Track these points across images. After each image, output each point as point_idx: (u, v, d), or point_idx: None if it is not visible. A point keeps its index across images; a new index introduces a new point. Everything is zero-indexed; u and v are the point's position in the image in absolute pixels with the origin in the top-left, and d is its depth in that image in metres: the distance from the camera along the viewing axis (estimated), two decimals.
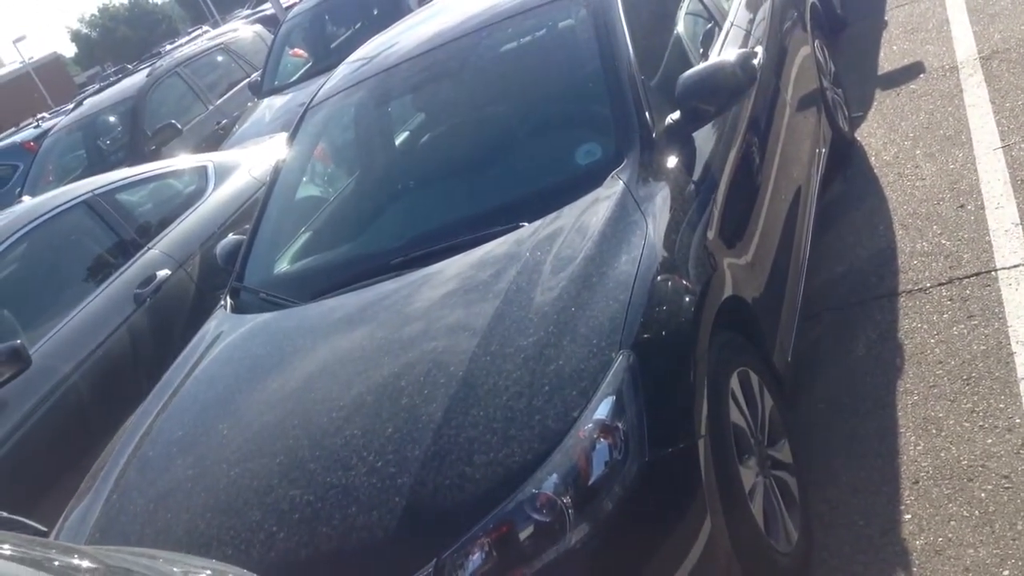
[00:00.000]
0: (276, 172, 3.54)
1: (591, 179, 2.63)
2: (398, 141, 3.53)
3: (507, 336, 2.18)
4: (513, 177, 2.88)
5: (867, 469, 2.74)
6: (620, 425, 1.95)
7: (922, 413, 2.85)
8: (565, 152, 2.83)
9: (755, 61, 2.82)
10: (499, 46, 3.23)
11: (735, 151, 2.98)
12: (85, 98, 10.74)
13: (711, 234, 2.53)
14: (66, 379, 4.03)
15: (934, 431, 2.76)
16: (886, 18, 6.38)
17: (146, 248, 4.69)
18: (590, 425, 1.94)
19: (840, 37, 6.35)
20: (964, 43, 5.30)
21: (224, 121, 9.32)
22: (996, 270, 3.31)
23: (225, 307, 3.17)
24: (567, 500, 1.86)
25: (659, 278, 2.25)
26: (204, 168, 5.35)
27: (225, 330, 2.98)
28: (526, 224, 2.59)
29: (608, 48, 2.91)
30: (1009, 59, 4.83)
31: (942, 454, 2.67)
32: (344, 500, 2.00)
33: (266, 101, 8.36)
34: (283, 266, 3.26)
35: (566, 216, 2.53)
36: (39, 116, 17.66)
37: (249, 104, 9.03)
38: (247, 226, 4.79)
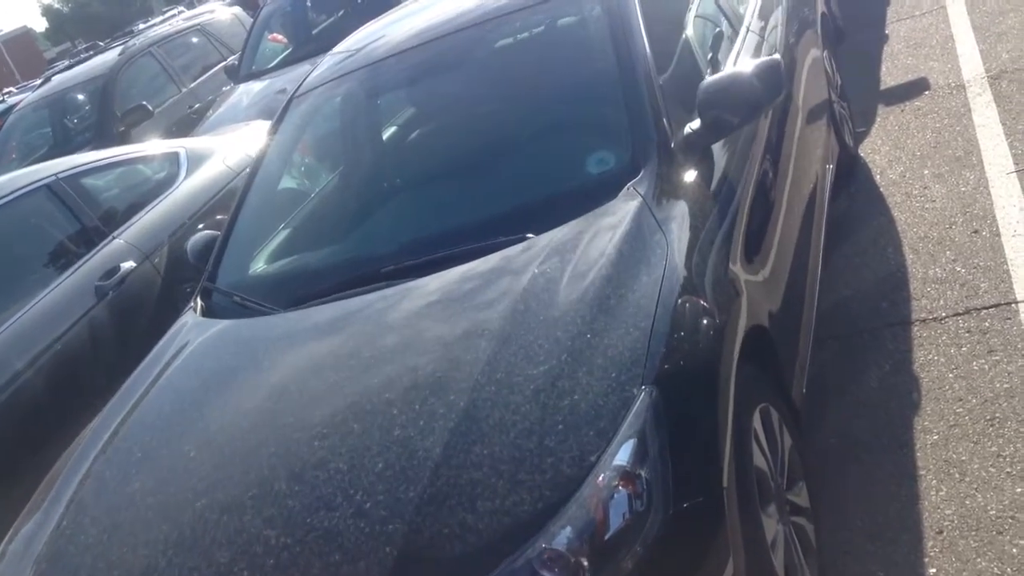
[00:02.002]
0: (256, 165, 3.29)
1: (604, 190, 2.41)
2: (390, 138, 3.29)
3: (514, 363, 1.96)
4: (518, 183, 2.65)
5: (885, 515, 2.55)
6: (642, 472, 1.74)
7: (943, 455, 2.67)
8: (575, 159, 2.61)
9: (782, 69, 2.61)
10: (505, 41, 3.00)
11: (753, 165, 2.78)
12: (53, 74, 10.35)
13: (734, 256, 2.33)
14: (19, 376, 3.76)
15: (957, 475, 2.58)
16: (887, 31, 6.22)
17: (110, 238, 4.42)
18: (609, 472, 1.72)
19: (839, 49, 6.19)
20: (970, 61, 5.15)
21: (197, 105, 9.01)
22: (1017, 303, 3.14)
23: (195, 309, 2.91)
24: (582, 558, 1.64)
25: (682, 304, 2.04)
26: (176, 154, 5.07)
27: (194, 335, 2.73)
28: (532, 236, 2.36)
29: (625, 48, 2.69)
30: (1019, 79, 4.68)
31: (967, 502, 2.49)
32: (327, 546, 1.76)
33: (243, 86, 8.07)
34: (260, 266, 3.01)
35: (577, 229, 2.31)
36: (6, 91, 17.15)
37: (225, 88, 8.72)
38: (220, 216, 4.55)
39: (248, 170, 3.31)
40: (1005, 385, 2.82)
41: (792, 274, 2.76)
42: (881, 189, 4.27)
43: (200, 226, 4.55)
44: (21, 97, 10.75)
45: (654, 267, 2.11)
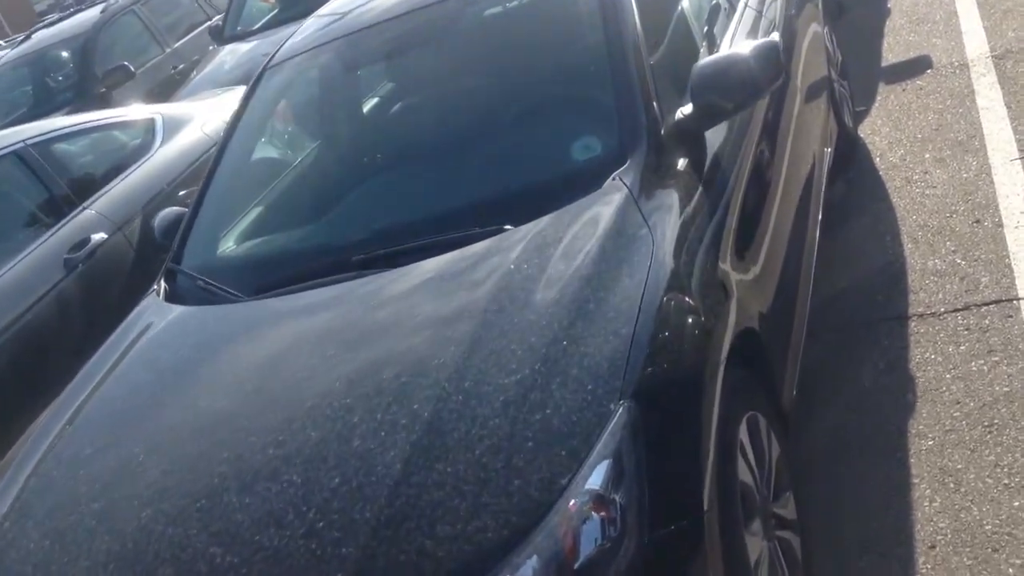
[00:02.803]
0: (225, 139, 3.12)
1: (589, 179, 2.26)
2: (366, 115, 3.12)
3: (484, 371, 1.82)
4: (497, 168, 2.49)
5: (876, 525, 2.44)
6: (617, 497, 1.61)
7: (938, 462, 2.55)
8: (559, 144, 2.45)
9: (780, 52, 2.45)
10: (490, 13, 2.83)
11: (748, 151, 2.63)
12: (36, 30, 10.09)
13: (725, 253, 2.18)
14: None
15: (952, 485, 2.46)
16: (889, 5, 6.03)
17: (80, 208, 4.25)
18: (581, 496, 1.59)
19: (839, 23, 6.00)
20: (975, 39, 4.98)
21: (181, 66, 8.78)
22: (1019, 299, 3.01)
23: (158, 292, 2.76)
24: None
25: (667, 308, 1.90)
26: (152, 121, 4.89)
27: (154, 322, 2.58)
28: (511, 227, 2.21)
29: (614, 24, 2.53)
30: None
31: (962, 515, 2.37)
32: (274, 568, 1.63)
33: (227, 48, 7.84)
34: (228, 247, 2.86)
35: (558, 222, 2.16)
36: None
37: (210, 49, 8.49)
38: (183, 192, 4.38)
39: (217, 144, 3.14)
40: (1004, 388, 2.69)
41: (785, 270, 2.62)
42: (881, 173, 4.12)
43: (181, 194, 4.39)
44: (2, 54, 10.47)
45: (637, 267, 1.97)
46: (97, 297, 4.04)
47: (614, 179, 2.23)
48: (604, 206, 2.15)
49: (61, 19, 10.09)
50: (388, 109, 3.08)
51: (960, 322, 3.03)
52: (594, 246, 2.04)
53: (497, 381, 1.79)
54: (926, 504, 2.44)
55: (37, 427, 2.45)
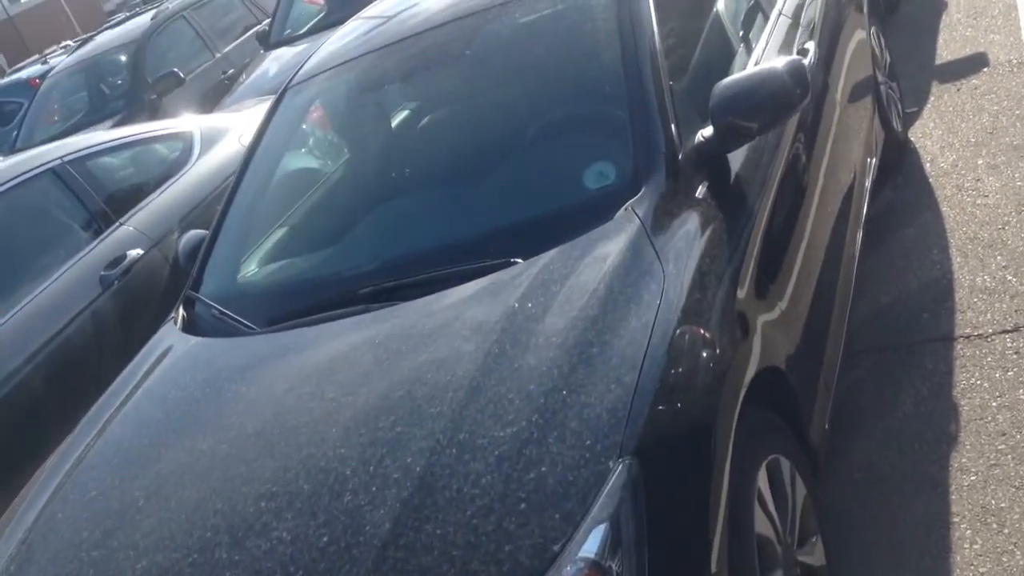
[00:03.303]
0: (246, 160, 3.09)
1: (600, 210, 2.16)
2: (381, 141, 3.06)
3: (480, 422, 1.75)
4: (508, 198, 2.41)
5: (912, 568, 2.31)
6: (613, 565, 1.52)
7: (980, 500, 2.40)
8: (571, 172, 2.35)
9: (807, 69, 2.33)
10: (501, 36, 2.74)
11: (776, 175, 2.50)
12: (103, 31, 10.24)
13: (743, 288, 2.07)
14: (16, 373, 3.64)
15: (995, 526, 2.32)
16: None
17: (117, 224, 4.27)
18: (574, 565, 1.50)
19: (893, 18, 5.78)
20: None
21: (231, 71, 8.85)
22: None
23: (175, 321, 2.74)
24: None
25: (676, 351, 1.80)
26: (189, 134, 4.90)
27: (169, 354, 2.56)
28: (519, 261, 2.13)
29: (632, 44, 2.42)
30: None
31: (1004, 558, 2.23)
32: None
33: (272, 54, 7.86)
34: (245, 274, 2.83)
35: (567, 257, 2.07)
36: (63, 44, 17.15)
37: (261, 54, 8.53)
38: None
39: (237, 168, 3.11)
40: None
41: (818, 300, 2.49)
42: (930, 180, 3.94)
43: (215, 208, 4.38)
44: (56, 61, 10.69)
45: (646, 307, 1.88)
46: (133, 314, 4.05)
47: (626, 210, 2.14)
48: (614, 240, 2.06)
49: (128, 19, 10.26)
50: (405, 134, 3.01)
51: (1009, 345, 2.86)
52: (601, 285, 1.95)
53: (492, 433, 1.71)
54: (966, 546, 2.30)
55: (50, 463, 2.44)
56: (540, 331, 1.88)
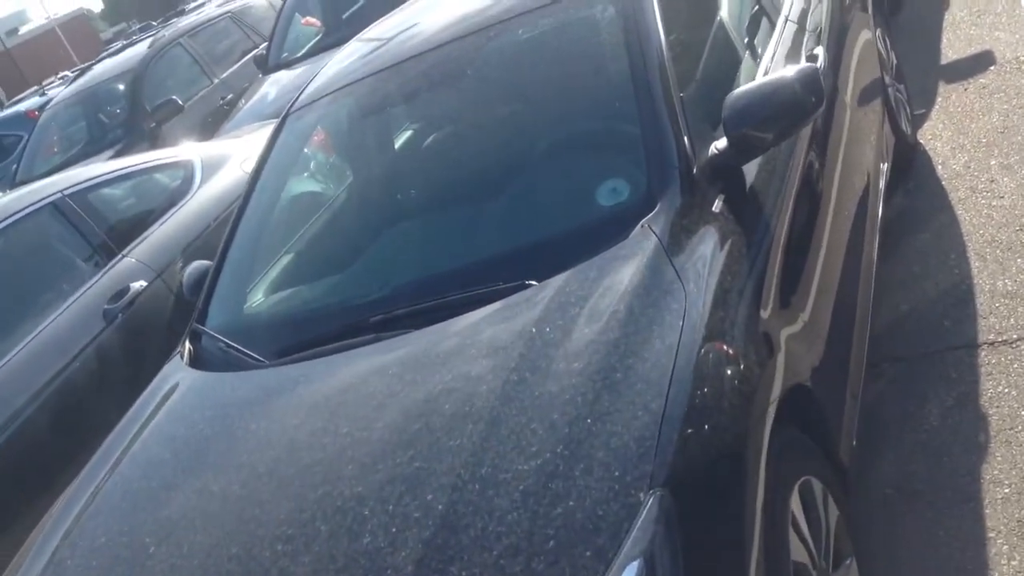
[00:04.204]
0: (249, 188, 3.04)
1: (615, 228, 2.10)
2: (385, 165, 3.00)
3: (503, 454, 1.68)
4: (520, 218, 2.35)
5: None
6: None
7: (1016, 514, 2.33)
8: (584, 190, 2.29)
9: (820, 76, 2.27)
10: (508, 52, 2.69)
11: (792, 184, 2.44)
12: (101, 60, 10.22)
13: (767, 304, 2.01)
14: (19, 414, 3.57)
15: None
16: None
17: (120, 256, 4.21)
18: None
19: (896, 18, 5.73)
20: None
21: (230, 96, 8.81)
22: None
23: (182, 355, 2.68)
24: None
25: (702, 374, 1.74)
26: (190, 162, 4.85)
27: (176, 390, 2.50)
28: (534, 283, 2.07)
29: (640, 57, 2.36)
30: None
31: None
32: None
33: (271, 78, 7.82)
34: (251, 304, 2.77)
35: (584, 278, 2.01)
36: (61, 75, 17.19)
37: (259, 78, 8.50)
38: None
39: (241, 196, 3.05)
40: None
41: (839, 309, 2.43)
42: (943, 182, 3.88)
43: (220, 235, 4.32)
44: (55, 92, 10.68)
45: (669, 329, 1.81)
46: (138, 348, 3.99)
47: (643, 227, 2.08)
48: (632, 259, 1.99)
49: (125, 47, 10.25)
50: (409, 157, 2.96)
51: None
52: (621, 306, 1.88)
53: (516, 467, 1.64)
54: (1003, 562, 2.22)
55: (57, 507, 2.37)
56: (560, 356, 1.82)
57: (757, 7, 3.08)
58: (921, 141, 4.25)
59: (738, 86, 2.59)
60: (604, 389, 1.72)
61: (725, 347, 1.83)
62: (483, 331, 2.01)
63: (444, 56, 2.74)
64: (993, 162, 3.82)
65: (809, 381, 2.05)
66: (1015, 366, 2.77)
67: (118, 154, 7.57)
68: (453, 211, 2.51)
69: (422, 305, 2.18)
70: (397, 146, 3.02)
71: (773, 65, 2.78)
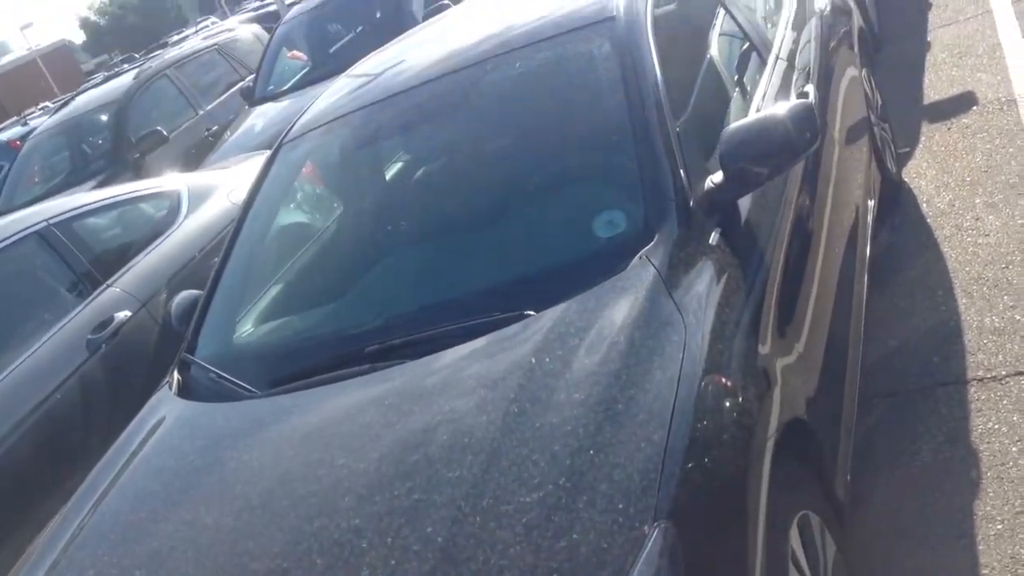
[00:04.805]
0: (241, 217, 3.02)
1: (613, 259, 2.11)
2: (381, 194, 3.00)
3: (504, 486, 1.66)
4: (517, 248, 2.35)
5: None
6: None
7: (1009, 549, 2.33)
8: (581, 221, 2.30)
9: (815, 113, 2.29)
10: (505, 84, 2.70)
11: (785, 216, 2.46)
12: (83, 91, 10.22)
13: (765, 337, 2.01)
14: (1, 443, 3.52)
15: None
16: (929, 39, 5.85)
17: (105, 286, 4.18)
18: None
19: (877, 58, 5.82)
20: (1022, 73, 4.76)
21: (215, 127, 8.82)
22: None
23: (170, 385, 2.65)
24: None
25: (704, 407, 1.73)
26: (176, 192, 4.83)
27: (164, 421, 2.46)
28: (532, 313, 2.06)
29: (636, 92, 2.38)
30: None
31: None
32: None
33: (258, 110, 7.85)
34: (243, 334, 2.74)
35: (583, 308, 2.01)
36: (41, 106, 17.19)
37: (244, 110, 8.51)
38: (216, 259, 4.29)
39: (232, 225, 3.04)
40: None
41: (832, 343, 2.43)
42: (928, 220, 3.92)
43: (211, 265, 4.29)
44: (38, 122, 10.64)
45: (670, 361, 1.81)
46: (122, 379, 3.95)
47: (641, 258, 2.08)
48: (631, 290, 1.99)
49: (109, 78, 10.24)
50: (404, 187, 2.95)
51: None
52: (622, 337, 1.88)
53: (518, 499, 1.63)
54: None
55: (42, 540, 2.32)
56: (561, 387, 1.81)
57: (747, 44, 3.12)
58: (906, 179, 4.30)
59: (730, 122, 2.62)
60: (606, 420, 1.71)
61: (725, 380, 1.83)
62: (481, 361, 1.99)
63: (441, 89, 2.75)
64: (978, 200, 3.87)
65: (806, 415, 2.04)
66: (1004, 402, 2.78)
67: (101, 184, 7.54)
68: (449, 241, 2.51)
69: (418, 335, 2.16)
70: (392, 177, 3.02)
71: (765, 102, 2.80)
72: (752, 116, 2.32)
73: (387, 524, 1.69)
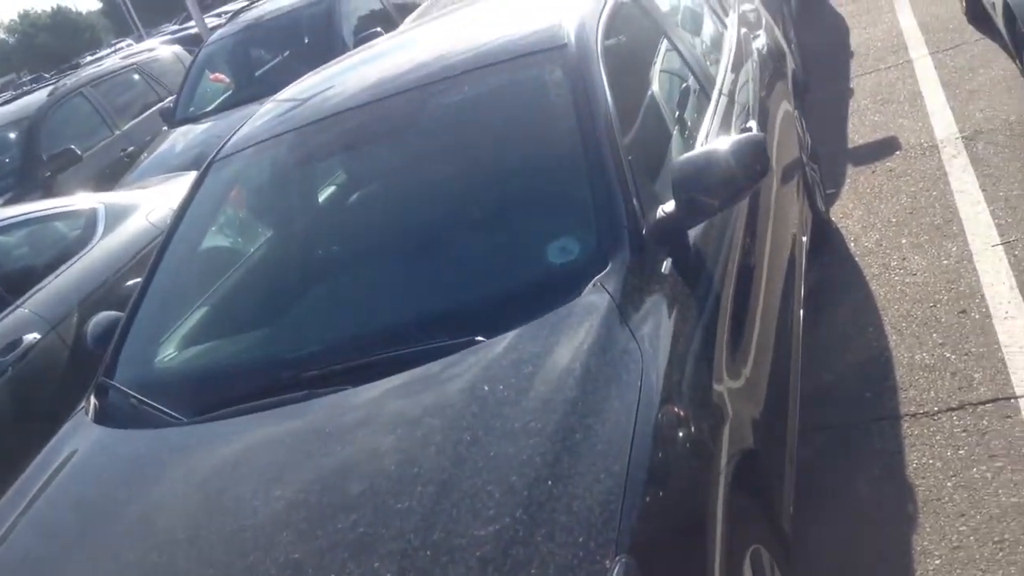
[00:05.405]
0: (168, 236, 2.88)
1: (567, 285, 2.05)
2: (319, 215, 2.90)
3: (457, 518, 1.58)
4: (466, 273, 2.28)
5: None
6: None
7: None
8: (533, 247, 2.24)
9: (766, 147, 2.29)
10: (453, 107, 2.64)
11: (733, 247, 2.45)
12: None
13: (720, 370, 1.98)
14: None
15: None
16: (851, 85, 6.02)
17: (13, 307, 3.96)
18: None
19: (800, 101, 5.95)
20: (942, 119, 4.93)
21: (131, 148, 8.54)
22: (1016, 398, 2.84)
23: (86, 411, 2.48)
24: None
25: (663, 437, 1.69)
26: (93, 211, 4.63)
27: (81, 448, 2.31)
28: (483, 339, 1.99)
29: (588, 119, 2.35)
30: (995, 141, 4.46)
31: None
32: None
33: (179, 130, 7.63)
34: (167, 357, 2.60)
35: (536, 335, 1.94)
36: None
37: (163, 131, 8.27)
38: (135, 281, 4.10)
39: (159, 243, 2.89)
40: (1012, 499, 2.50)
41: (775, 375, 2.42)
42: (856, 259, 3.99)
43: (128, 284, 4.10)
44: None
45: (627, 389, 1.76)
46: (30, 402, 3.73)
47: (595, 285, 2.03)
48: (586, 317, 1.94)
49: (14, 98, 9.85)
50: (344, 208, 2.86)
51: (956, 423, 2.84)
52: (577, 365, 1.82)
53: (472, 532, 1.54)
54: None
55: None
56: (515, 416, 1.74)
57: (692, 79, 3.13)
58: (833, 219, 4.38)
59: (675, 153, 2.61)
60: (564, 451, 1.65)
61: (681, 410, 1.79)
62: (430, 388, 1.91)
63: (385, 110, 2.67)
64: (904, 241, 3.95)
65: (754, 444, 2.01)
66: (937, 438, 2.81)
67: (8, 203, 7.20)
68: (395, 264, 2.42)
69: (363, 360, 2.07)
70: (331, 198, 2.92)
71: (711, 135, 2.81)
72: (703, 147, 2.31)
73: (330, 559, 1.59)
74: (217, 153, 3.04)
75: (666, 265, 2.15)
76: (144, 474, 2.08)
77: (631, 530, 1.51)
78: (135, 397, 2.37)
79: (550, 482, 1.59)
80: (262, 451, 1.96)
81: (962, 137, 4.62)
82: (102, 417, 2.43)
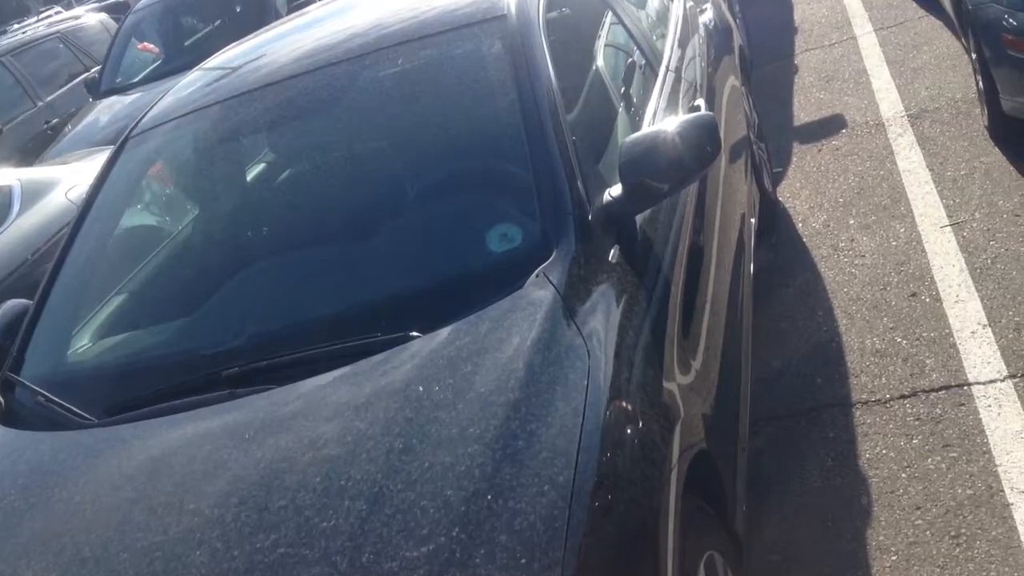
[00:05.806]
0: (79, 219, 2.67)
1: (508, 276, 1.91)
2: (243, 197, 2.71)
3: (387, 539, 1.44)
4: (400, 262, 2.12)
5: None
6: None
7: None
8: (473, 234, 2.09)
9: (718, 128, 2.17)
10: (386, 81, 2.46)
11: (679, 235, 2.33)
12: None
13: (671, 368, 1.86)
14: None
15: None
16: (796, 62, 5.94)
17: None
18: None
19: (748, 79, 5.87)
20: (888, 97, 4.87)
21: (55, 120, 8.19)
22: (969, 384, 2.79)
23: None
24: None
25: (610, 444, 1.56)
26: (8, 188, 4.37)
27: None
28: (418, 335, 1.84)
29: (530, 95, 2.20)
30: (941, 119, 4.42)
31: None
32: None
33: (104, 102, 7.31)
34: (78, 350, 2.41)
35: (475, 330, 1.80)
36: None
37: (89, 102, 7.92)
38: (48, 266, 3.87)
39: (69, 226, 2.68)
40: (968, 491, 2.44)
41: (726, 367, 2.31)
42: (805, 240, 3.91)
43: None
44: None
45: (573, 391, 1.63)
46: None
47: (538, 276, 1.89)
48: (529, 311, 1.80)
49: None
50: (269, 190, 2.67)
51: (909, 411, 2.78)
52: (520, 363, 1.68)
53: (404, 553, 1.41)
54: None
55: None
56: (453, 421, 1.60)
57: (638, 55, 2.99)
58: (780, 199, 4.30)
59: (621, 134, 2.48)
60: (505, 459, 1.51)
61: (631, 410, 1.66)
62: (360, 390, 1.76)
63: (314, 83, 2.49)
64: (852, 221, 3.88)
65: (708, 445, 1.91)
66: (890, 426, 2.74)
67: None
68: (324, 252, 2.25)
69: (287, 357, 1.91)
70: (255, 179, 2.73)
71: (658, 114, 2.68)
72: (651, 128, 2.18)
73: None
74: (135, 127, 2.83)
75: (613, 253, 2.02)
76: (48, 482, 1.90)
77: (577, 548, 1.39)
78: (42, 395, 2.18)
79: (489, 496, 1.46)
80: (177, 458, 1.79)
81: (908, 115, 4.57)
82: (6, 417, 2.23)
